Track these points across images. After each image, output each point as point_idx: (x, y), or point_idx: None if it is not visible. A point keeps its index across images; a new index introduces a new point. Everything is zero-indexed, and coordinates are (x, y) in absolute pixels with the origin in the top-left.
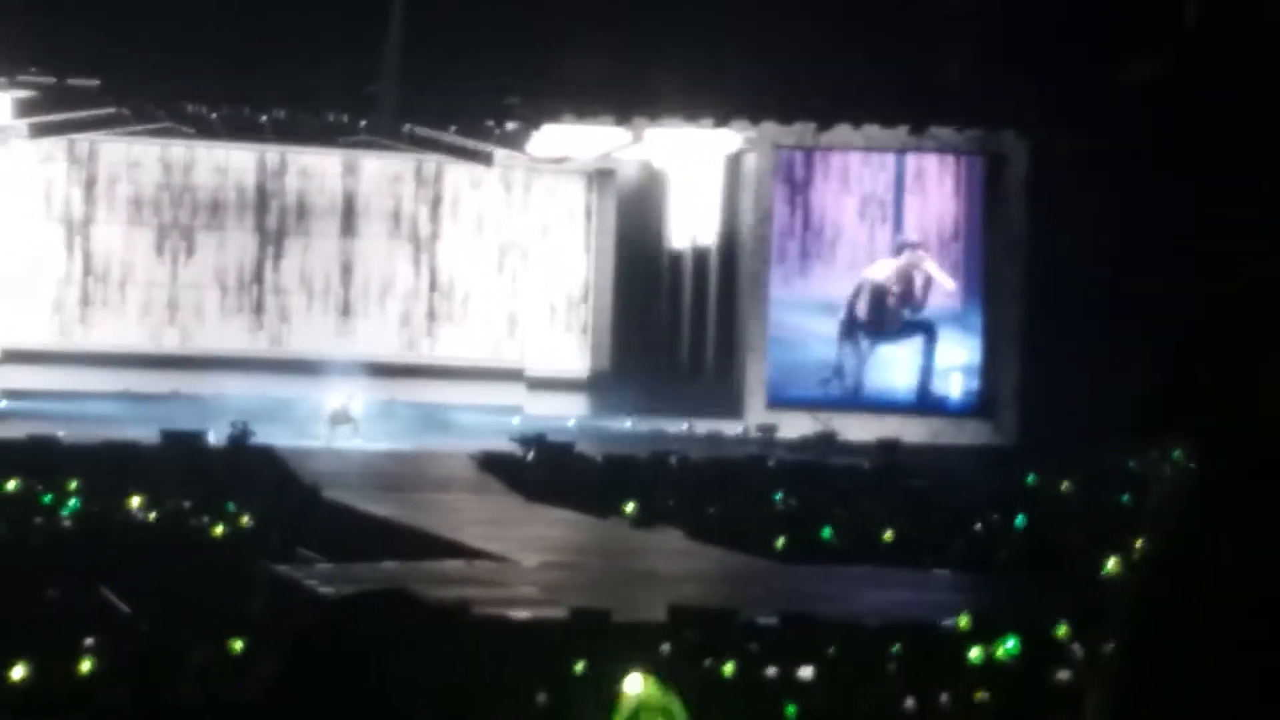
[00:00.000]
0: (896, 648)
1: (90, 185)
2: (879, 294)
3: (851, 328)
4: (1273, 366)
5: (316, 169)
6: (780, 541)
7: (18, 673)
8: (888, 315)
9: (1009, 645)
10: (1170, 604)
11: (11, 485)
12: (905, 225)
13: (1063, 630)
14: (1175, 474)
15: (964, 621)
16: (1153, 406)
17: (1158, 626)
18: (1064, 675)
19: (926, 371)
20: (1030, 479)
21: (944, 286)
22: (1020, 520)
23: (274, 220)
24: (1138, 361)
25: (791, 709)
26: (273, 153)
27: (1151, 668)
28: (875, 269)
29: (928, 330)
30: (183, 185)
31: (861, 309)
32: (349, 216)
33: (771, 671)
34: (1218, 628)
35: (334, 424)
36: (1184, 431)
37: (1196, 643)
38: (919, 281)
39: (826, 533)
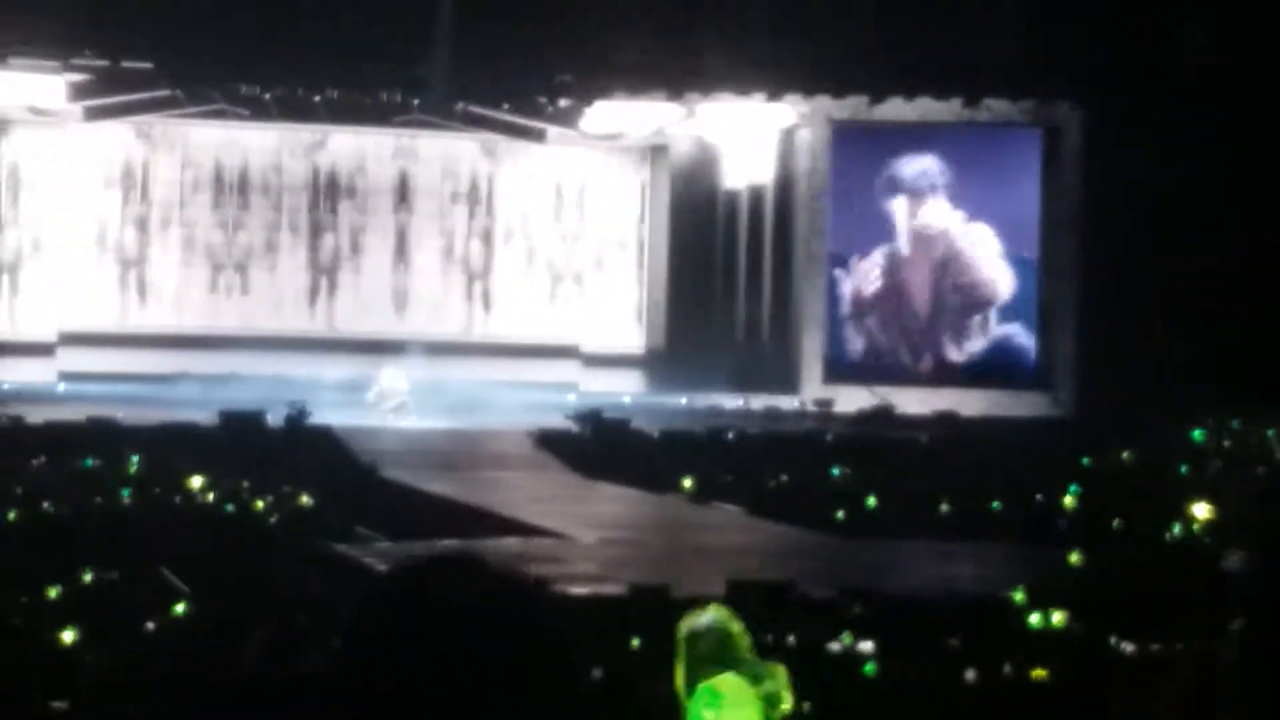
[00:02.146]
0: (956, 621)
1: (148, 167)
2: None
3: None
4: None
5: (371, 150)
6: (838, 515)
7: (78, 653)
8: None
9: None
10: None
11: (72, 466)
12: (959, 198)
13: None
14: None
15: (1019, 595)
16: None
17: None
18: (1126, 647)
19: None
20: (1088, 451)
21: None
22: (1074, 491)
23: (329, 201)
24: (1194, 332)
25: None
26: (327, 133)
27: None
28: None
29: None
30: (238, 167)
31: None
32: (403, 196)
33: (831, 646)
34: None
35: (384, 403)
36: None
37: None
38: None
39: (883, 507)
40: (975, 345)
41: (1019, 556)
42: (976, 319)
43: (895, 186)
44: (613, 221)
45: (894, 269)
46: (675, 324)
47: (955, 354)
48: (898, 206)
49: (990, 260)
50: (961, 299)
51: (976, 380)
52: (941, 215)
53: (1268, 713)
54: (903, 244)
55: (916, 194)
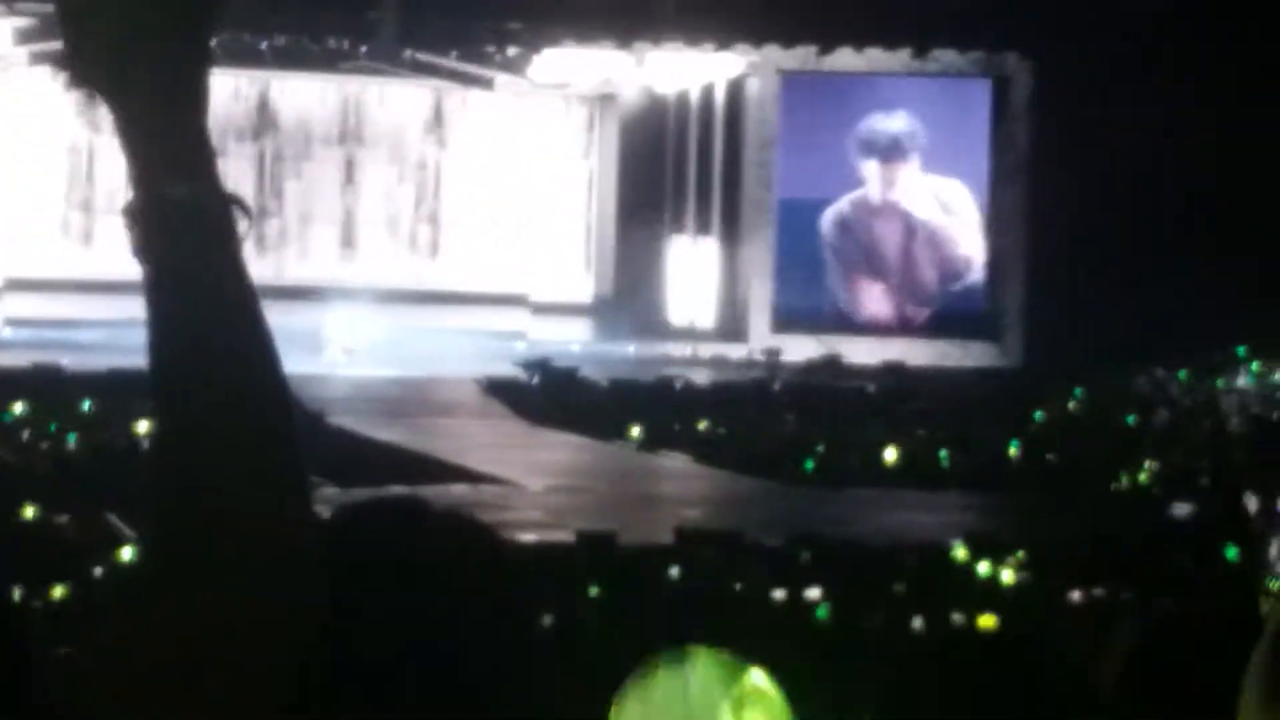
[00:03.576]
0: (903, 569)
1: (93, 111)
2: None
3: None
4: None
5: (317, 95)
6: (786, 464)
7: (19, 598)
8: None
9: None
10: None
11: (17, 412)
12: (907, 149)
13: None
14: None
15: (967, 543)
16: None
17: None
18: (1073, 595)
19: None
20: (1035, 401)
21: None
22: (1020, 440)
23: (275, 148)
24: (1142, 283)
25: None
26: (273, 79)
27: None
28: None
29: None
30: None
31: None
32: (350, 143)
33: (779, 594)
34: None
35: (329, 350)
36: None
37: None
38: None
39: (831, 455)
40: (923, 295)
41: (967, 504)
42: (924, 269)
43: (843, 137)
44: (560, 170)
45: (842, 219)
46: (623, 273)
47: (903, 304)
48: (845, 157)
49: (938, 211)
50: (909, 249)
51: (924, 330)
52: (890, 166)
53: (1214, 662)
54: (850, 194)
55: (864, 145)
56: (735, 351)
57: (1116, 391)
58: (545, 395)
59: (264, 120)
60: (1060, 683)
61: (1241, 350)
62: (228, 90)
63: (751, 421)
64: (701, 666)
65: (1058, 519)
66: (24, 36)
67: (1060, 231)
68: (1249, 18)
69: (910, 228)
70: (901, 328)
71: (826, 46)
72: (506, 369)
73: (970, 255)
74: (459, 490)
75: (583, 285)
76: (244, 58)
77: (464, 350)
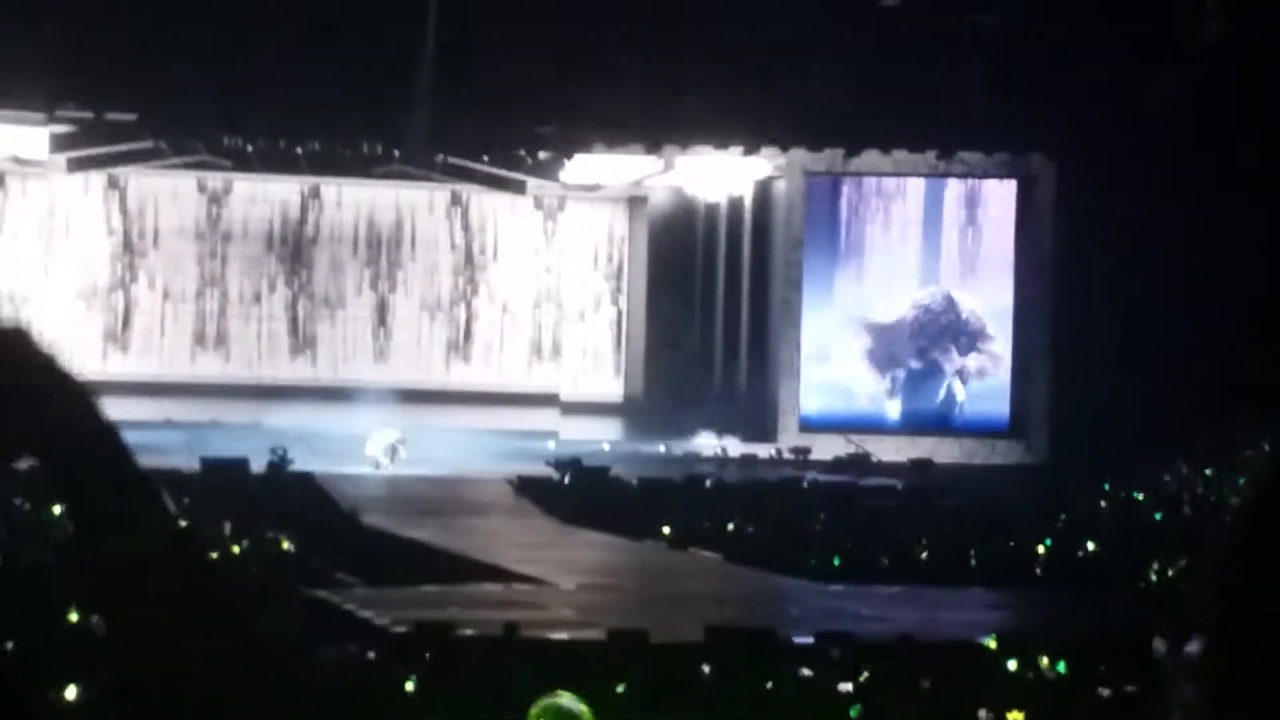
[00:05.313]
0: (933, 666)
1: (130, 217)
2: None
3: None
4: None
5: (351, 200)
6: (816, 562)
7: (62, 699)
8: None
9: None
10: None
11: (53, 513)
12: (936, 248)
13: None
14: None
15: (993, 642)
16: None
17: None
18: (1103, 691)
19: (953, 393)
20: (1062, 499)
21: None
22: (1048, 541)
23: (310, 250)
24: (1167, 380)
25: None
26: (308, 184)
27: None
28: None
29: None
30: (220, 217)
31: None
32: (383, 246)
33: (809, 691)
34: None
35: (382, 456)
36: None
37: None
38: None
39: (857, 552)
40: (949, 393)
41: (995, 602)
42: (951, 367)
43: (870, 237)
44: (591, 271)
45: (869, 318)
46: (653, 372)
47: (929, 402)
48: (873, 257)
49: (965, 309)
50: (937, 347)
51: (951, 428)
52: (916, 265)
53: None
54: (878, 293)
55: (891, 244)
56: (764, 450)
57: (1143, 488)
58: (576, 494)
59: (299, 223)
60: None
61: (1268, 445)
62: (265, 194)
63: (781, 519)
64: None
65: (1086, 615)
66: (61, 144)
67: (1085, 329)
68: (1272, 119)
69: (931, 320)
70: (928, 425)
71: (853, 149)
72: (538, 468)
73: (990, 349)
74: (492, 589)
75: (613, 384)
76: (280, 162)
77: (496, 449)
